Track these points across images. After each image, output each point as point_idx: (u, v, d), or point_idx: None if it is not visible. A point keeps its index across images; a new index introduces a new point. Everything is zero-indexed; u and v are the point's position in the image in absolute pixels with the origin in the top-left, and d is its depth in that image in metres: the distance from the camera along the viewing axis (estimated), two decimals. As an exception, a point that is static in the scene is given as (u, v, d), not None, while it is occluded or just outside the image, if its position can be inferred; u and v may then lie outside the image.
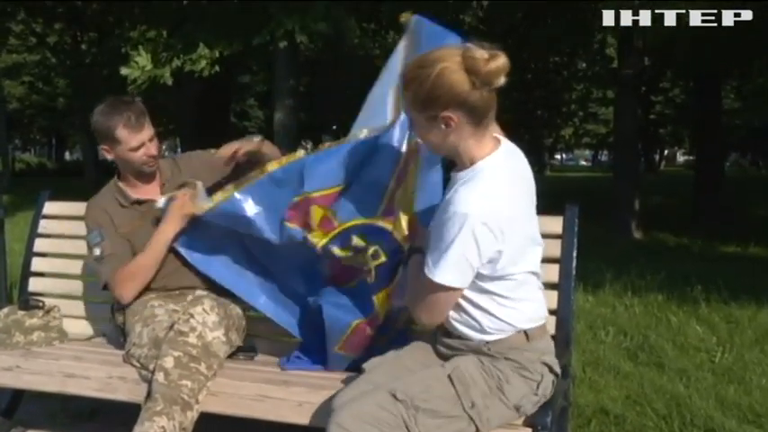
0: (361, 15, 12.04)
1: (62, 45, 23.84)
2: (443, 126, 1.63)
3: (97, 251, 2.39)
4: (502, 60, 1.56)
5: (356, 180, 2.23)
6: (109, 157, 2.44)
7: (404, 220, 2.06)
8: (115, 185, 2.53)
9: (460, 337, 1.78)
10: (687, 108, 22.65)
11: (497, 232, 1.60)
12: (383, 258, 2.10)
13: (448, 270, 1.62)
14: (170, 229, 2.36)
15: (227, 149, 2.42)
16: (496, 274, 1.68)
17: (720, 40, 7.97)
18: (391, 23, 13.41)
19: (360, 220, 2.17)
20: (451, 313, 1.76)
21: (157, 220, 2.40)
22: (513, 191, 1.69)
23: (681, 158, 51.04)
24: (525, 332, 1.74)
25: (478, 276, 1.68)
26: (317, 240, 2.18)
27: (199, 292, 2.43)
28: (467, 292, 1.71)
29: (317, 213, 2.22)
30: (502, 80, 1.58)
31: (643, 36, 7.47)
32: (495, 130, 1.77)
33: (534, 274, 1.78)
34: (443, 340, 1.85)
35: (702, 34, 7.05)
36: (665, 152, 43.77)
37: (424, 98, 1.61)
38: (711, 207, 11.14)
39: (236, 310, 2.40)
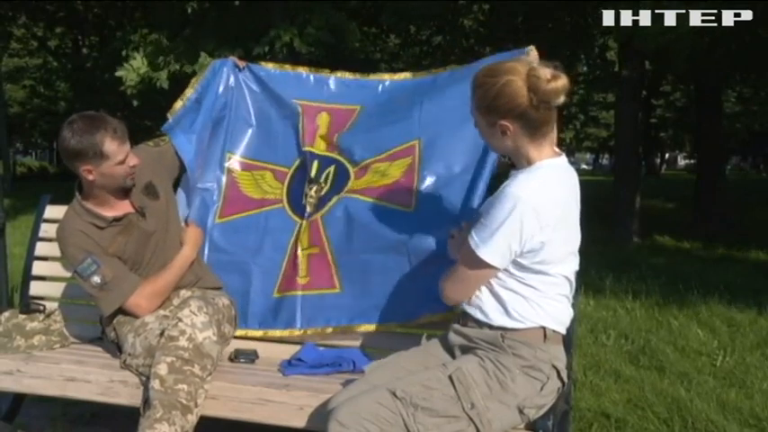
0: (362, 19, 12.06)
1: (63, 49, 23.91)
2: (500, 133, 1.75)
3: (96, 279, 2.26)
4: (561, 82, 1.67)
5: (369, 119, 2.75)
6: (90, 177, 2.26)
7: (365, 186, 2.58)
8: (82, 209, 2.34)
9: (480, 322, 1.80)
10: (688, 112, 22.65)
11: (544, 222, 1.67)
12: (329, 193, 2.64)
13: (494, 248, 1.70)
14: (192, 253, 2.49)
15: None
16: (536, 267, 1.73)
17: (721, 41, 7.95)
18: (391, 27, 13.44)
19: (341, 157, 2.69)
20: (481, 294, 1.80)
21: (143, 231, 2.38)
22: (567, 198, 1.76)
23: (682, 162, 51.01)
24: (545, 331, 1.76)
25: (518, 266, 1.73)
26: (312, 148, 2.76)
27: (183, 293, 2.43)
28: (503, 277, 1.76)
29: (322, 119, 2.80)
30: (561, 99, 1.69)
31: (644, 44, 7.39)
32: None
33: (569, 281, 1.81)
34: (459, 328, 1.87)
35: (704, 37, 7.03)
36: (666, 156, 43.74)
37: (487, 105, 1.73)
38: (712, 210, 11.12)
39: (223, 300, 2.40)
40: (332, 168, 2.72)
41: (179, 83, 8.81)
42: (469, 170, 2.42)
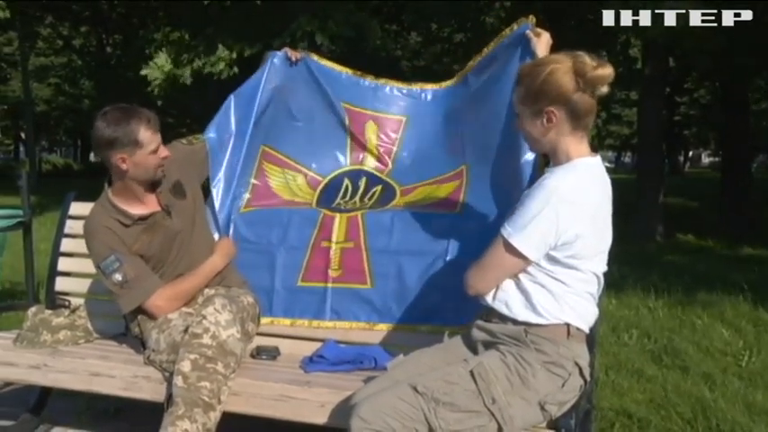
0: (383, 17, 12.06)
1: (88, 47, 24.23)
2: (546, 121, 1.76)
3: (118, 277, 2.27)
4: (608, 70, 1.72)
5: (417, 136, 2.81)
6: (123, 166, 2.27)
7: (411, 201, 2.62)
8: (110, 204, 2.36)
9: (504, 317, 1.79)
10: (713, 109, 22.36)
11: (579, 215, 1.68)
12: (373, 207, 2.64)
13: (527, 237, 1.70)
14: (221, 262, 2.48)
15: None
16: (568, 261, 1.73)
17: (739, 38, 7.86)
18: (412, 24, 13.42)
19: (390, 179, 2.73)
20: (508, 288, 1.79)
21: (168, 230, 2.38)
22: (602, 197, 1.77)
23: (706, 160, 50.36)
24: (569, 328, 1.75)
25: (550, 259, 1.74)
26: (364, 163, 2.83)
27: (207, 291, 2.43)
28: (532, 271, 1.76)
29: (371, 129, 2.83)
30: (605, 89, 1.73)
31: (673, 42, 7.34)
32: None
33: (598, 279, 1.81)
34: (482, 324, 1.87)
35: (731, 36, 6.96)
36: (690, 153, 43.23)
37: (535, 92, 1.76)
38: (737, 209, 10.96)
39: (248, 298, 2.40)
40: (378, 188, 2.75)
41: (201, 80, 8.89)
42: (515, 181, 2.35)
